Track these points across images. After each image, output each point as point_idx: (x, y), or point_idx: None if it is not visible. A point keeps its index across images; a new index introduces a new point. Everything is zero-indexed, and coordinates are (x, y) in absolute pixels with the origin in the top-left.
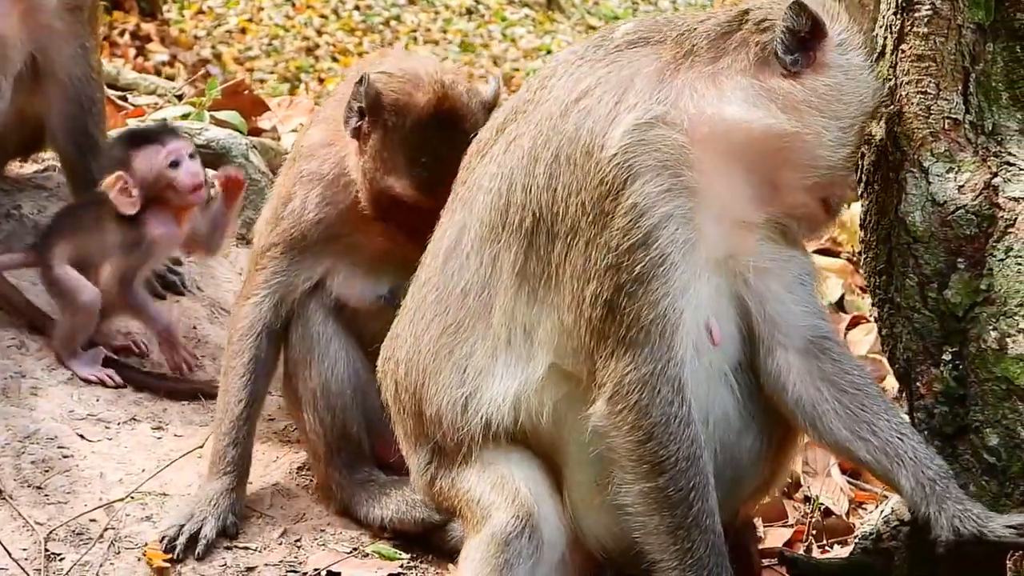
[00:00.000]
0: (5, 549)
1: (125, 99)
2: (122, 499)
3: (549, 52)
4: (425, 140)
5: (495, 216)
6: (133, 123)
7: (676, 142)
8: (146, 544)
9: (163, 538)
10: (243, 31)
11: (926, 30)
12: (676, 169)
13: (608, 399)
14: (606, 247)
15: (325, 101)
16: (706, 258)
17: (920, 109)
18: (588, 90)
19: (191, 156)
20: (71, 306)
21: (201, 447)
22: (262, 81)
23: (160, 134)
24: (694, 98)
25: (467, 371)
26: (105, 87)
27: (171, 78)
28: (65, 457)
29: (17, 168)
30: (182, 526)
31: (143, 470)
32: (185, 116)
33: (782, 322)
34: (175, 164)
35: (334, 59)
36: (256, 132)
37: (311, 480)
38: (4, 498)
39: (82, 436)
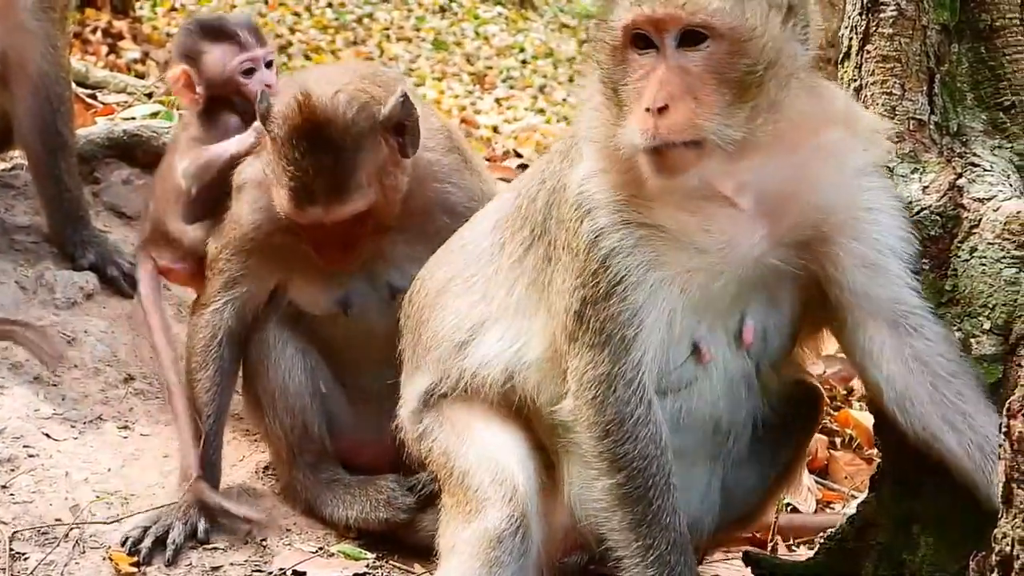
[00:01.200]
0: None
1: (94, 97)
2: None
3: (522, 50)
4: (292, 151)
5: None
6: (102, 121)
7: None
8: (110, 547)
9: (126, 539)
10: None
11: (891, 31)
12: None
13: (572, 395)
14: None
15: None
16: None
17: (885, 110)
18: None
19: (268, 65)
20: None
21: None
22: None
23: (238, 31)
24: None
25: (471, 317)
26: (74, 85)
27: (142, 76)
28: (30, 456)
29: (9, 157)
30: (146, 528)
31: (108, 469)
32: (154, 115)
33: (866, 292)
34: (249, 72)
35: (307, 57)
36: None
37: (276, 480)
38: None
39: (47, 435)
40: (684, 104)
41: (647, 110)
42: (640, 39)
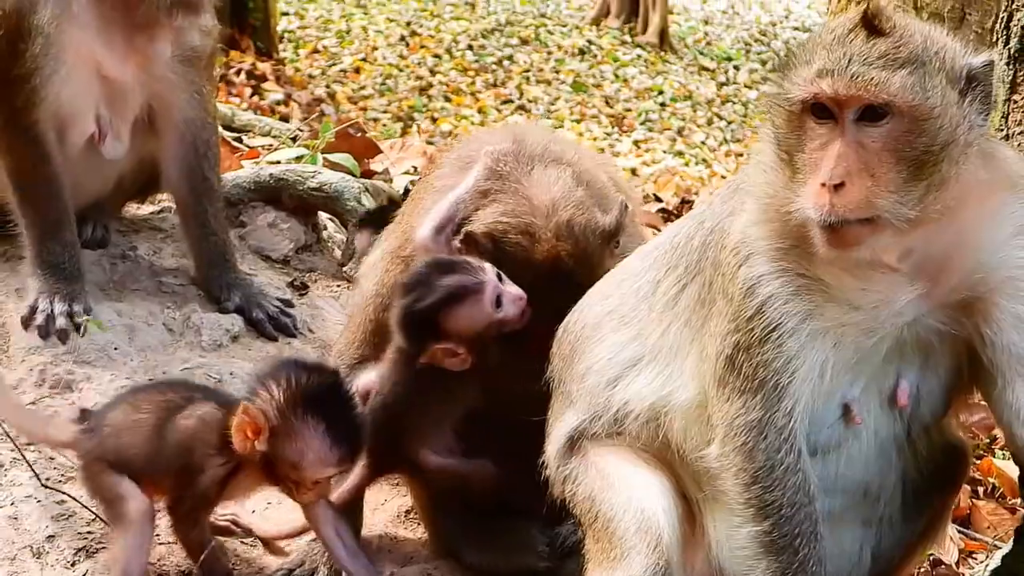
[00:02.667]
0: None
1: (240, 140)
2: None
3: (661, 92)
4: (542, 289)
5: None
6: (248, 164)
7: None
8: None
9: None
10: (357, 70)
11: None
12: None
13: (720, 441)
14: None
15: (436, 169)
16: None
17: None
18: None
19: (500, 278)
20: None
21: None
22: (375, 120)
23: (468, 276)
24: None
25: (624, 354)
26: (220, 129)
27: (286, 117)
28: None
29: (134, 209)
30: (291, 571)
31: (252, 511)
32: (299, 159)
33: (1019, 352)
34: (499, 303)
35: (447, 99)
36: (368, 174)
37: (418, 524)
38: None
39: None
40: (860, 181)
41: (823, 185)
42: (819, 108)
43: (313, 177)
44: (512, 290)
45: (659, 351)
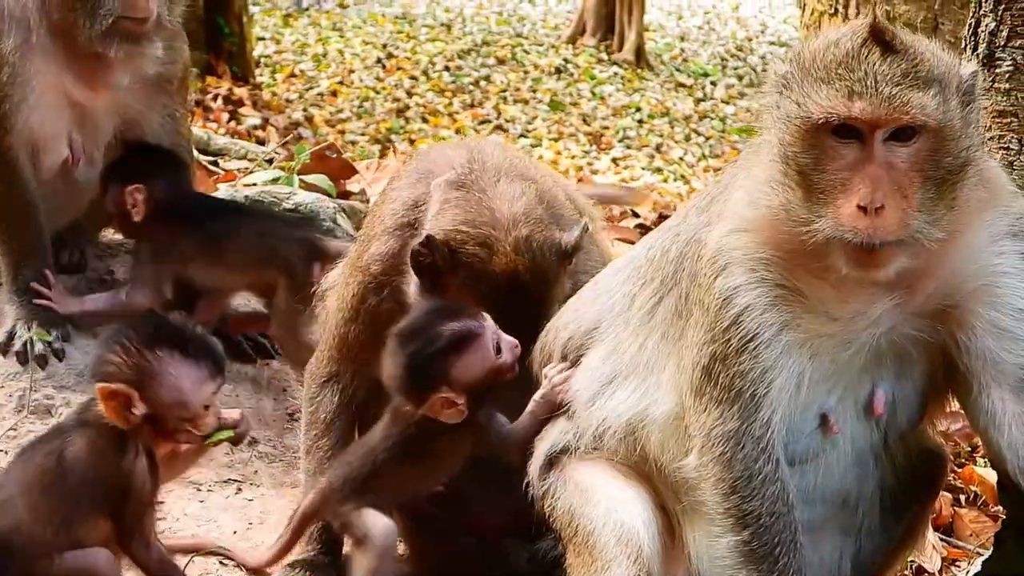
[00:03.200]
0: None
1: (216, 164)
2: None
3: (639, 109)
4: (497, 302)
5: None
6: (224, 188)
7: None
8: None
9: None
10: (334, 94)
11: (1007, 86)
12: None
13: (698, 451)
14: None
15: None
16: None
17: (1003, 164)
18: None
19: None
20: None
21: None
22: (353, 143)
23: (470, 321)
24: None
25: (602, 372)
26: (196, 153)
27: (262, 141)
28: (158, 519)
29: (111, 234)
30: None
31: (234, 532)
32: (275, 180)
33: (994, 359)
34: (498, 349)
35: (424, 120)
36: (345, 195)
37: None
38: None
39: (173, 498)
40: (896, 203)
41: (860, 207)
42: (842, 128)
43: (288, 198)
44: (508, 337)
45: (636, 367)
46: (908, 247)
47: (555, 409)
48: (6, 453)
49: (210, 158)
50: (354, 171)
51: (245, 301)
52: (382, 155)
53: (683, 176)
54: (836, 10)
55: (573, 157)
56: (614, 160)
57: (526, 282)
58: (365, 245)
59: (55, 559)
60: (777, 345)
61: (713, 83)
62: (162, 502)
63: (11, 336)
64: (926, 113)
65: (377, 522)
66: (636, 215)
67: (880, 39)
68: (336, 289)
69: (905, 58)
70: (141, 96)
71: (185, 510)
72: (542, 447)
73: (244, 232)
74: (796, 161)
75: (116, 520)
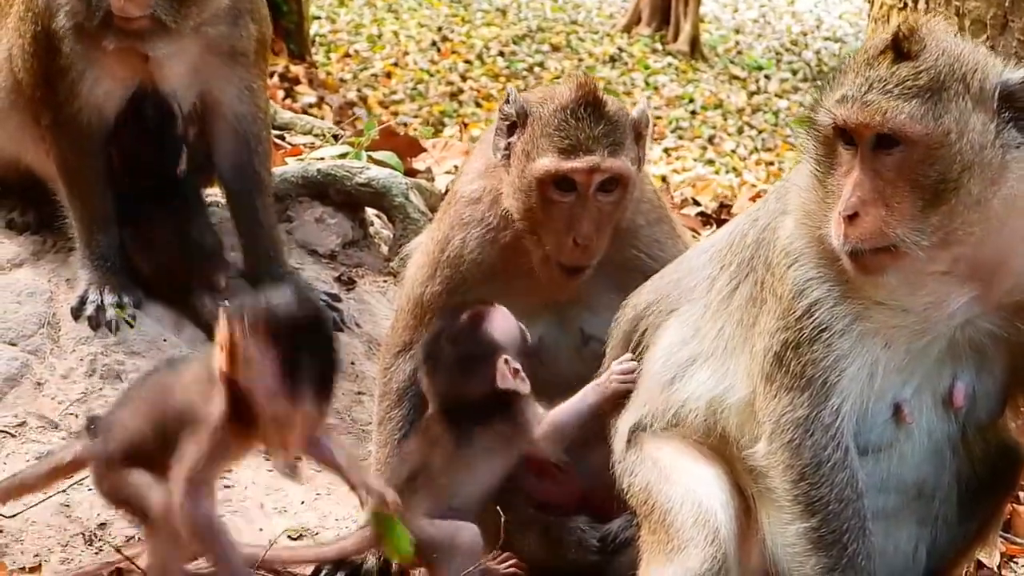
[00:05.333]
0: None
1: (282, 138)
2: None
3: (692, 100)
4: (567, 117)
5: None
6: (292, 161)
7: None
8: None
9: (318, 573)
10: (388, 75)
11: None
12: None
13: (767, 438)
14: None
15: (474, 148)
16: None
17: None
18: None
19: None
20: None
21: None
22: (405, 125)
23: (479, 306)
24: None
25: (683, 354)
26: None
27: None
28: (226, 487)
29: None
30: (339, 563)
31: (302, 502)
32: (343, 156)
33: None
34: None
35: (477, 104)
36: (411, 173)
37: None
38: None
39: (243, 467)
40: (874, 210)
41: (839, 214)
42: (846, 134)
43: (361, 173)
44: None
45: (715, 350)
46: (902, 255)
47: (610, 399)
48: (76, 417)
49: (276, 132)
50: (421, 149)
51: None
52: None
53: (735, 168)
54: (905, 4)
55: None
56: (666, 151)
57: (591, 102)
58: (444, 212)
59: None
60: (850, 335)
61: (767, 77)
62: (231, 470)
63: (83, 301)
64: (898, 121)
65: (462, 530)
66: (697, 203)
67: (898, 46)
68: (415, 255)
69: (911, 65)
70: (215, 69)
71: (254, 479)
72: (624, 423)
73: None
74: (816, 165)
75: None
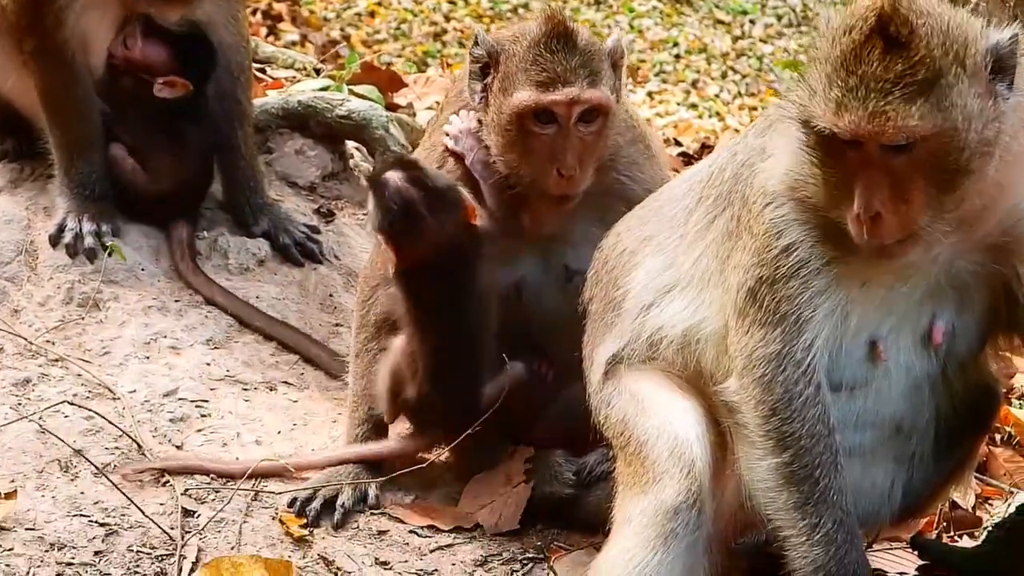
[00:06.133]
0: (138, 507)
1: (264, 71)
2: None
3: (676, 44)
4: (541, 51)
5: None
6: (273, 94)
7: None
8: (279, 508)
9: (294, 500)
10: (372, 14)
11: None
12: None
13: (738, 373)
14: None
15: (448, 94)
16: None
17: None
18: None
19: None
20: None
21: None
22: (389, 64)
23: None
24: None
25: (660, 281)
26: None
27: None
28: (203, 416)
29: None
30: (316, 490)
31: (279, 432)
32: (324, 89)
33: None
34: None
35: (461, 44)
36: (392, 108)
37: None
38: (143, 453)
39: (219, 396)
40: (894, 208)
41: (858, 215)
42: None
43: (341, 105)
44: None
45: (691, 279)
46: (920, 240)
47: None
48: (53, 344)
49: (258, 65)
50: (403, 84)
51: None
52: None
53: (718, 113)
54: None
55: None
56: (649, 94)
57: (562, 33)
58: (422, 155)
59: None
60: (827, 274)
61: (752, 21)
62: (206, 401)
63: (61, 228)
64: (911, 128)
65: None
66: (679, 143)
67: (886, 31)
68: None
69: (905, 56)
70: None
71: (230, 408)
72: (601, 355)
73: None
74: (808, 150)
75: None
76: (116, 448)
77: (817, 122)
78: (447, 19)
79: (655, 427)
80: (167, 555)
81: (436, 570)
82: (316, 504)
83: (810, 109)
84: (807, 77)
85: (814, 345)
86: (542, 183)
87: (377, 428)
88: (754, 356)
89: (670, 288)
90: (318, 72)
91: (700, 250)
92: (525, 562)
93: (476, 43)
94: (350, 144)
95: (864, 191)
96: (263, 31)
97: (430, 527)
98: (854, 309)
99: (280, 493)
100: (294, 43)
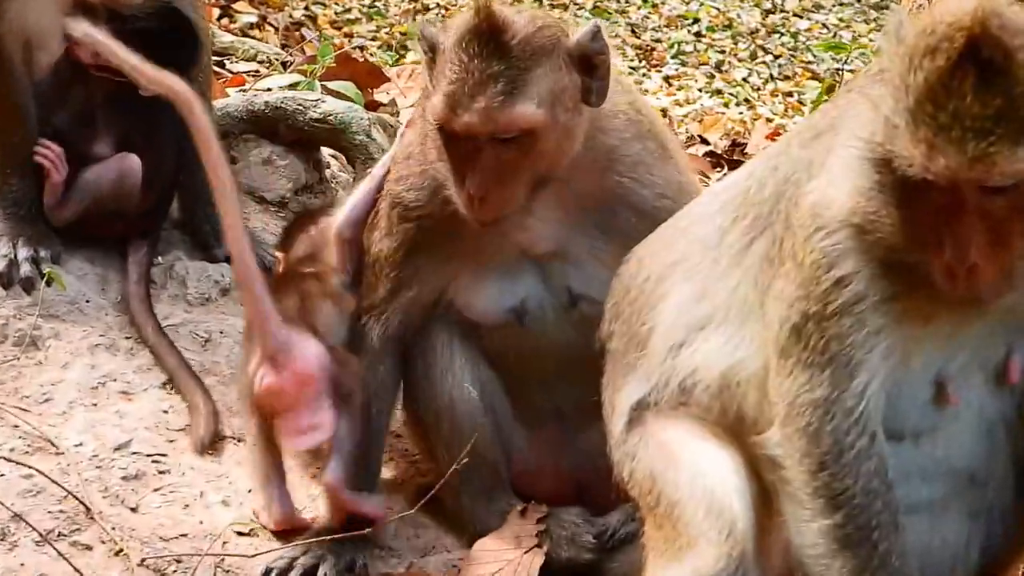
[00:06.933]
0: None
1: (222, 64)
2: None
3: (696, 20)
4: (458, 52)
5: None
6: (234, 93)
7: None
8: None
9: (269, 571)
10: None
11: None
12: None
13: (780, 421)
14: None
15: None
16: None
17: None
18: None
19: None
20: None
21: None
22: (362, 49)
23: None
24: None
25: (691, 315)
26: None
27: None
28: (160, 473)
29: None
30: (294, 559)
31: (249, 490)
32: (293, 86)
33: None
34: None
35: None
36: (372, 106)
37: (440, 508)
38: (91, 518)
39: (179, 449)
40: (992, 255)
41: (951, 265)
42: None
43: (316, 106)
44: None
45: (728, 311)
46: (1016, 282)
47: None
48: None
49: (215, 58)
50: (384, 78)
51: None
52: (397, 63)
53: (747, 100)
54: None
55: (619, 74)
56: (667, 79)
57: (505, 40)
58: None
59: None
60: (887, 311)
61: None
62: (164, 455)
63: None
64: (1017, 171)
65: None
66: (705, 141)
67: (978, 58)
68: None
69: (1003, 87)
70: None
71: (192, 464)
72: (623, 400)
73: None
74: (884, 198)
75: None
76: (60, 511)
77: (901, 164)
78: None
79: (688, 482)
80: None
81: None
82: (293, 575)
83: (891, 148)
84: (879, 102)
85: (868, 390)
86: (459, 202)
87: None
88: (798, 402)
89: (704, 323)
90: (285, 66)
91: (737, 277)
92: None
93: (421, 35)
94: (326, 152)
95: (958, 239)
96: (215, 12)
97: None
98: (916, 348)
99: (253, 557)
100: (252, 25)
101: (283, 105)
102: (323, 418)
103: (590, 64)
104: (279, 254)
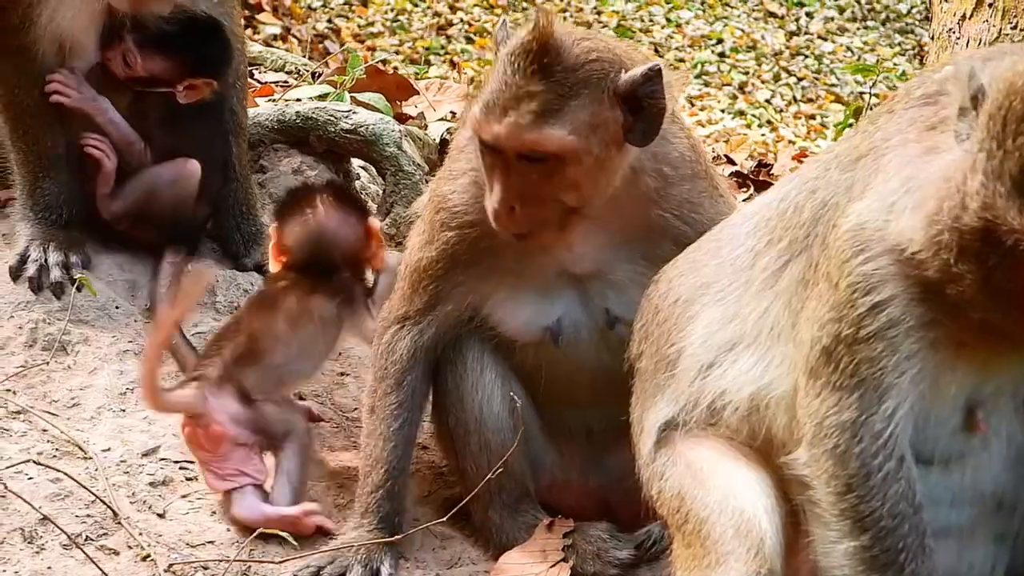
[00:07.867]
0: None
1: (251, 75)
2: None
3: (720, 41)
4: (506, 65)
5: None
6: (263, 102)
7: None
8: None
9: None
10: (364, 3)
11: None
12: None
13: (808, 442)
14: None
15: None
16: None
17: None
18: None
19: None
20: None
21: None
22: (385, 62)
23: None
24: None
25: (721, 337)
26: None
27: None
28: (188, 479)
29: None
30: (320, 568)
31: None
32: (323, 97)
33: None
34: None
35: (468, 39)
36: (401, 118)
37: (466, 521)
38: (119, 522)
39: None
40: None
41: None
42: None
43: (347, 117)
44: None
45: (759, 333)
46: None
47: None
48: (14, 393)
49: None
50: (413, 91)
51: None
52: (419, 77)
53: (769, 122)
54: None
55: (678, 111)
56: (689, 100)
57: (552, 62)
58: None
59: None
60: (921, 337)
61: (809, 15)
62: (192, 461)
63: (23, 259)
64: None
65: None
66: (731, 161)
67: None
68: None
69: None
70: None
71: None
72: (652, 420)
73: None
74: (965, 266)
75: None
76: (88, 516)
77: (1007, 237)
78: (452, 9)
79: (717, 501)
80: None
81: None
82: None
83: (994, 216)
84: (976, 164)
85: (896, 414)
86: (489, 211)
87: (394, 495)
88: (826, 424)
89: (734, 344)
90: (314, 76)
91: (769, 300)
92: None
93: (496, 34)
94: (356, 163)
95: None
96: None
97: None
98: (948, 374)
99: (280, 562)
100: (275, 37)
101: (314, 115)
102: (246, 467)
103: (638, 104)
104: (273, 225)
